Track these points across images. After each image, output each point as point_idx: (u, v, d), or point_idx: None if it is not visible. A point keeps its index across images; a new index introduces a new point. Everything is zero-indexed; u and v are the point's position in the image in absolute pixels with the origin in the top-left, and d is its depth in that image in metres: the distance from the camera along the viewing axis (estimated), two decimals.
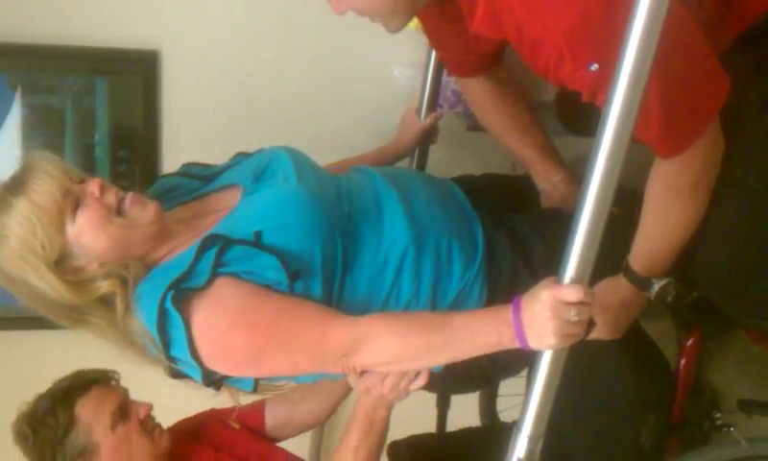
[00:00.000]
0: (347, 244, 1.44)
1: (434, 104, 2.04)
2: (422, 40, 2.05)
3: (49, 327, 2.17)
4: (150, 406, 1.75)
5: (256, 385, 1.46)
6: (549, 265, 1.25)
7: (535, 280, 1.25)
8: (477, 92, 1.83)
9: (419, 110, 2.03)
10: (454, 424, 2.32)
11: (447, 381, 1.62)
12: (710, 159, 1.31)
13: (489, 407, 2.45)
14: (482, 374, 1.64)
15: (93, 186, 1.39)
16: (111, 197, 1.40)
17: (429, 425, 2.31)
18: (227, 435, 1.86)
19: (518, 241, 1.58)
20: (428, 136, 2.04)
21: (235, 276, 1.34)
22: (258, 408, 1.92)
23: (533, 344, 1.23)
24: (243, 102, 2.24)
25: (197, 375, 1.38)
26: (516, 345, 1.25)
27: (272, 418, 1.94)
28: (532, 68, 1.32)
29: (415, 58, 2.21)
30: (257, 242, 1.36)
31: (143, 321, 1.36)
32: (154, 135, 2.20)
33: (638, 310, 1.53)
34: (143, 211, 1.41)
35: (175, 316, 1.31)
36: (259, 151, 1.63)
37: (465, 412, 2.38)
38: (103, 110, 2.15)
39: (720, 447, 1.74)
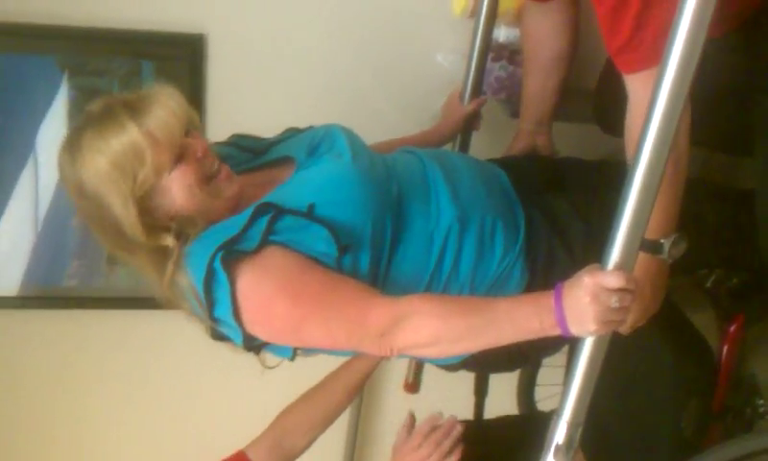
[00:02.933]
0: (396, 224, 1.45)
1: (477, 90, 2.02)
2: (466, 26, 2.05)
3: (98, 307, 2.27)
4: None
5: (294, 354, 1.47)
6: (588, 247, 1.25)
7: (573, 262, 1.25)
8: (544, 22, 1.85)
9: (462, 96, 2.02)
10: (492, 411, 2.32)
11: (485, 361, 1.61)
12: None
13: (527, 396, 2.45)
14: (520, 352, 1.61)
15: (198, 146, 1.41)
16: (209, 164, 1.42)
17: (467, 412, 2.31)
18: None
19: (557, 223, 1.58)
20: (471, 122, 2.04)
21: (285, 245, 1.35)
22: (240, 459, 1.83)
23: (574, 330, 1.22)
24: (288, 87, 2.25)
25: (238, 338, 1.40)
26: (558, 331, 1.24)
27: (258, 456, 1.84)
28: None
29: (458, 43, 2.21)
30: (310, 213, 1.37)
31: (191, 278, 1.37)
32: (199, 119, 2.21)
33: (662, 279, 1.47)
34: (229, 186, 1.44)
35: (222, 276, 1.32)
36: (311, 127, 1.65)
37: (502, 400, 2.38)
38: None
39: (763, 434, 1.72)
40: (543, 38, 1.87)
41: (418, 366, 2.25)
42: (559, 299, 1.23)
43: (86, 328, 2.34)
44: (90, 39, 2.11)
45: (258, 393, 2.33)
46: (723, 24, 1.39)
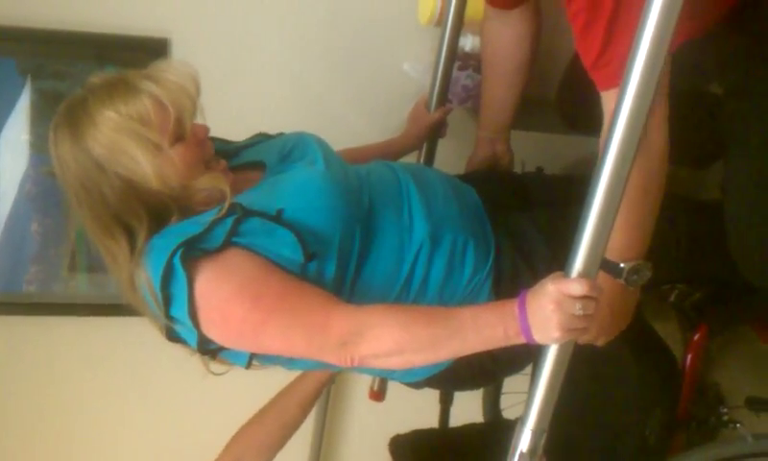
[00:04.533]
0: (365, 237, 1.44)
1: (443, 98, 2.03)
2: (432, 35, 2.05)
3: (57, 313, 2.24)
4: None
5: (250, 362, 1.44)
6: (552, 267, 1.24)
7: (537, 280, 1.24)
8: (505, 31, 1.85)
9: (428, 104, 2.02)
10: (457, 420, 2.32)
11: (449, 379, 1.62)
12: (650, 127, 1.27)
13: (492, 404, 2.45)
14: (483, 371, 1.63)
15: (201, 130, 1.42)
16: (208, 149, 1.43)
17: (432, 421, 2.31)
18: None
19: (522, 243, 1.58)
20: (437, 130, 2.04)
21: (249, 248, 1.33)
22: None
23: (537, 338, 1.22)
24: (253, 93, 2.24)
25: (193, 339, 1.37)
26: (522, 339, 1.24)
27: None
28: None
29: (424, 52, 2.21)
30: (278, 217, 1.35)
31: (149, 273, 1.34)
32: None
33: (624, 303, 1.47)
34: (224, 179, 1.42)
35: (180, 274, 1.29)
36: (282, 134, 1.64)
37: (468, 408, 2.38)
38: None
39: (726, 443, 1.74)
40: (504, 47, 1.87)
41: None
42: (523, 306, 1.23)
43: (46, 335, 2.31)
44: (52, 42, 2.07)
45: (224, 398, 2.32)
46: (691, 28, 1.40)
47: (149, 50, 2.12)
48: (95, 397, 2.42)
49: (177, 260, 1.29)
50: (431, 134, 2.03)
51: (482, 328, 1.27)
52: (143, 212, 1.37)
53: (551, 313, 1.18)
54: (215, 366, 1.49)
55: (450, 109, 2.05)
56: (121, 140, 1.34)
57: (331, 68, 2.26)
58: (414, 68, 2.26)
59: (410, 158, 2.05)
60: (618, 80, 1.11)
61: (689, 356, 1.86)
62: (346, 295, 1.43)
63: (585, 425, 1.85)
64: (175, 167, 1.37)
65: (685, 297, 1.91)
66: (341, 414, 2.66)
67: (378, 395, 2.26)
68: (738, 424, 1.90)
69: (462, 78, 2.18)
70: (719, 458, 1.62)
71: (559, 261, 1.22)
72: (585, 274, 1.18)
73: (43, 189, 2.14)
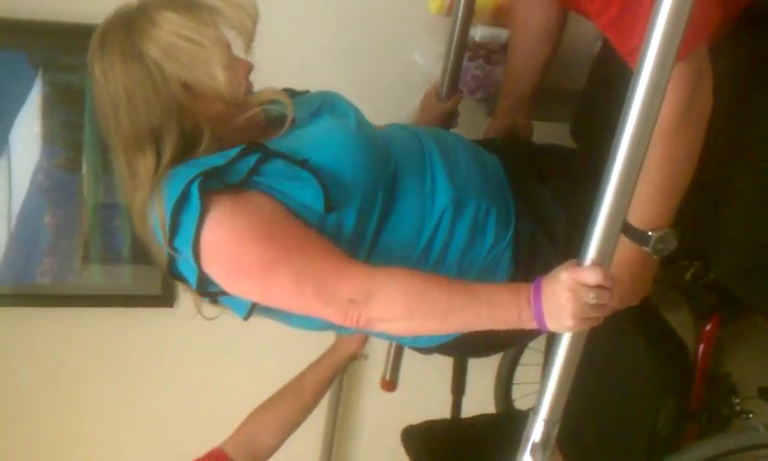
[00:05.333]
0: (387, 198, 1.42)
1: (454, 88, 2.02)
2: (443, 25, 2.04)
3: (71, 305, 2.25)
4: None
5: (250, 312, 1.39)
6: (571, 237, 1.23)
7: (555, 253, 1.23)
8: (540, 18, 1.85)
9: (439, 93, 2.02)
10: (469, 410, 2.32)
11: (464, 345, 1.58)
12: (697, 94, 1.27)
13: (504, 394, 2.46)
14: (496, 339, 1.58)
15: (247, 63, 1.42)
16: (249, 82, 1.43)
17: (444, 411, 2.31)
18: None
19: (541, 212, 1.56)
20: (448, 120, 2.03)
21: (268, 192, 1.30)
22: (218, 455, 1.82)
23: (550, 325, 1.22)
24: (260, 82, 2.23)
25: (192, 277, 1.33)
26: (535, 325, 1.24)
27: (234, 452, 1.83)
28: None
29: (435, 42, 2.20)
30: (303, 163, 1.33)
31: (164, 197, 1.30)
32: None
33: (645, 272, 1.46)
34: (258, 114, 1.42)
35: (195, 202, 1.26)
36: (308, 91, 1.63)
37: (480, 399, 2.38)
38: None
39: (738, 433, 1.73)
40: (534, 8, 1.86)
41: (395, 364, 2.24)
42: (537, 294, 1.22)
43: (60, 326, 2.32)
44: (63, 35, 2.07)
45: (236, 387, 2.33)
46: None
47: None
48: (108, 387, 2.43)
49: (194, 188, 1.26)
50: (442, 124, 2.02)
51: (496, 307, 1.26)
52: (178, 133, 1.35)
53: (565, 302, 1.18)
54: (207, 309, 1.44)
55: (461, 97, 2.04)
56: (187, 45, 1.33)
57: (341, 57, 2.26)
58: (424, 58, 2.25)
59: None
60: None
61: (701, 346, 1.85)
62: (363, 255, 1.40)
63: (597, 416, 1.85)
64: (239, 79, 1.38)
65: (700, 276, 1.90)
66: (353, 404, 2.67)
67: (390, 384, 2.26)
68: (751, 415, 1.89)
69: (472, 68, 2.17)
70: (731, 448, 1.61)
71: (578, 233, 1.21)
72: (598, 262, 1.18)
73: (56, 181, 2.15)
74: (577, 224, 1.24)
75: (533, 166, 1.72)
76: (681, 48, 1.07)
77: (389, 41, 2.27)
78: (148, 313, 2.30)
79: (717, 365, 1.92)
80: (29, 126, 2.11)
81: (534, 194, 1.60)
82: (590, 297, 1.17)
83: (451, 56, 1.99)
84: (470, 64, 2.16)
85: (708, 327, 1.84)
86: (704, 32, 1.23)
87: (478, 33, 2.13)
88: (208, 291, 1.36)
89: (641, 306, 1.51)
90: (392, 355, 2.22)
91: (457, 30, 1.96)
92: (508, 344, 1.86)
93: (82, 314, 2.29)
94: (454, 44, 1.98)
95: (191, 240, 1.27)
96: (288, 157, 1.33)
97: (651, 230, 1.33)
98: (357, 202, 1.36)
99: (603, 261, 1.18)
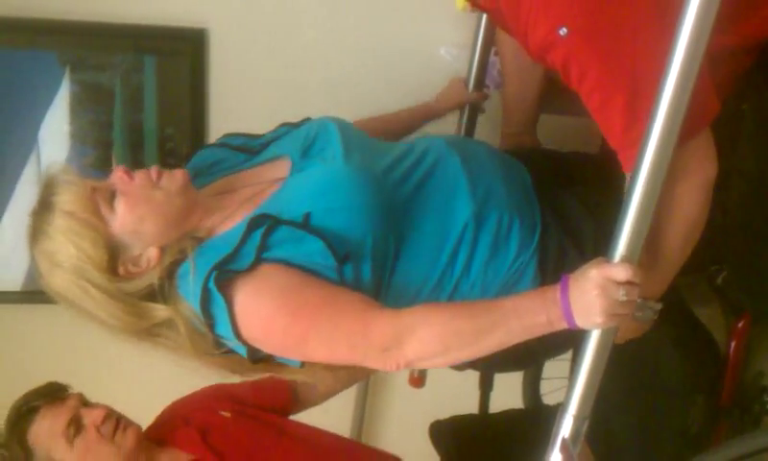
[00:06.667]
0: (402, 221, 1.42)
1: (481, 83, 2.04)
2: (469, 20, 2.04)
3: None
4: (105, 409, 1.72)
5: (303, 364, 1.43)
6: (599, 246, 1.23)
7: (583, 262, 1.23)
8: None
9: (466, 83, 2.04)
10: (497, 405, 2.32)
11: (493, 361, 1.59)
12: (690, 177, 1.28)
13: (532, 390, 2.44)
14: (528, 352, 1.59)
15: (119, 173, 1.39)
16: (141, 176, 1.39)
17: (472, 407, 2.31)
18: (216, 421, 1.81)
19: (568, 221, 1.55)
20: (474, 108, 2.06)
21: (280, 261, 1.32)
22: (281, 389, 1.89)
23: (580, 323, 1.21)
24: (289, 80, 2.24)
25: (243, 351, 1.38)
26: (564, 325, 1.23)
27: (297, 392, 1.91)
28: (516, 35, 1.33)
29: (461, 37, 2.20)
30: (305, 224, 1.34)
31: (188, 298, 1.35)
32: (201, 113, 2.22)
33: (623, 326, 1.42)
34: (172, 178, 1.39)
35: (217, 297, 1.30)
36: (305, 121, 1.61)
37: (507, 394, 2.38)
38: (151, 88, 2.17)
39: None
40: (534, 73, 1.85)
41: None
42: (565, 291, 1.21)
43: (90, 322, 2.33)
44: (92, 34, 2.10)
45: None
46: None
47: (187, 40, 2.15)
48: (144, 381, 2.45)
49: (212, 285, 1.30)
50: (469, 111, 2.05)
51: (524, 317, 1.25)
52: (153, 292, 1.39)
53: (594, 298, 1.17)
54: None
55: (488, 95, 2.06)
56: (78, 301, 1.39)
57: (368, 54, 2.26)
58: (450, 52, 2.25)
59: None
60: None
61: (733, 344, 1.82)
62: (386, 282, 1.41)
63: (626, 413, 1.84)
64: (130, 223, 1.37)
65: (732, 282, 1.88)
66: (381, 400, 2.67)
67: (418, 380, 2.27)
68: None
69: (498, 62, 2.16)
70: (763, 446, 1.59)
71: (605, 239, 1.21)
72: (627, 258, 1.17)
73: None
74: (604, 230, 1.23)
75: (560, 173, 1.72)
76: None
77: (416, 37, 2.27)
78: None
79: (748, 362, 1.90)
80: (58, 124, 2.14)
81: (561, 201, 1.59)
82: (621, 293, 1.16)
83: (477, 51, 2.01)
84: (496, 59, 2.16)
85: (740, 324, 1.81)
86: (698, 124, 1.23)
87: None
88: (260, 358, 1.40)
89: (671, 302, 1.50)
90: None
91: (483, 25, 1.99)
92: (539, 356, 1.85)
93: None
94: (480, 39, 2.01)
95: (231, 329, 1.32)
96: (291, 223, 1.34)
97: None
98: (369, 240, 1.36)
99: (632, 258, 1.17)
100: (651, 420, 1.80)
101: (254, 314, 1.32)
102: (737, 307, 1.84)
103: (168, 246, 1.39)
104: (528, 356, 1.67)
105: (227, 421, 1.80)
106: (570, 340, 1.46)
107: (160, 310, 1.38)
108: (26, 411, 1.68)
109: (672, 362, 1.73)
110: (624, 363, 1.34)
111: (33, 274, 2.15)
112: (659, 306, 1.28)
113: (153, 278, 1.38)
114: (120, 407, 2.22)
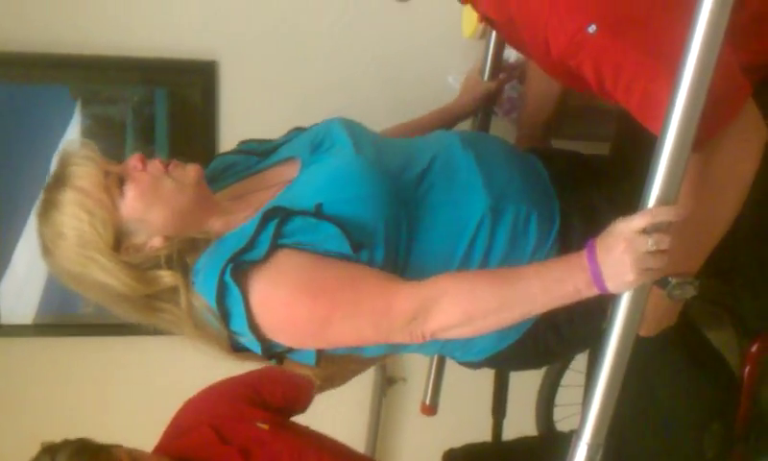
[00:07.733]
0: (414, 213, 1.41)
1: (496, 71, 2.02)
2: (476, 48, 2.05)
3: (113, 334, 2.27)
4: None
5: (319, 358, 1.42)
6: None
7: None
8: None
9: (481, 74, 2.02)
10: (510, 433, 2.30)
11: (510, 358, 1.57)
12: (739, 161, 1.25)
13: (546, 416, 2.43)
14: (547, 348, 1.56)
15: (134, 160, 1.39)
16: (155, 165, 1.39)
17: (485, 433, 2.30)
18: (255, 436, 1.71)
19: (594, 215, 1.49)
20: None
21: (295, 247, 1.31)
22: (304, 387, 1.85)
23: (611, 285, 1.18)
24: (299, 110, 2.25)
25: (257, 348, 1.37)
26: (594, 291, 1.20)
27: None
28: (533, 55, 1.31)
29: (468, 65, 2.21)
30: (318, 213, 1.33)
31: (203, 295, 1.35)
32: (212, 145, 2.24)
33: (658, 312, 1.41)
34: (184, 172, 1.40)
35: (233, 289, 1.29)
36: (314, 125, 1.62)
37: (521, 421, 2.36)
38: (162, 120, 2.19)
39: None
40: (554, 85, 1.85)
41: (435, 388, 2.23)
42: (592, 254, 1.19)
43: (102, 355, 2.34)
44: (103, 68, 2.13)
45: None
46: None
47: (197, 72, 2.17)
48: (154, 413, 2.45)
49: (228, 277, 1.29)
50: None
51: (550, 285, 1.24)
52: (160, 272, 1.39)
53: (622, 254, 1.15)
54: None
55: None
56: (85, 269, 1.37)
57: (376, 82, 2.28)
58: (457, 80, 2.26)
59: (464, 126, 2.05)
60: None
61: (747, 369, 1.80)
62: (400, 272, 1.39)
63: (640, 441, 1.82)
64: (138, 210, 1.36)
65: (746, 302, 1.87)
66: (393, 428, 2.66)
67: (430, 409, 2.26)
68: None
69: (506, 89, 2.17)
70: None
71: None
72: (662, 201, 1.14)
73: None
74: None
75: (578, 167, 1.69)
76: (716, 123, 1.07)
77: (424, 65, 2.29)
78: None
79: (763, 386, 1.87)
80: None
81: (588, 198, 1.56)
82: (649, 243, 1.14)
83: (485, 78, 2.00)
84: (504, 86, 2.17)
85: (754, 348, 1.78)
86: (734, 106, 1.20)
87: (512, 54, 2.13)
88: (274, 354, 1.39)
89: (682, 327, 1.49)
90: (432, 380, 2.22)
91: (490, 53, 1.99)
92: (558, 353, 1.82)
93: (125, 343, 2.31)
94: (488, 67, 2.00)
95: (246, 322, 1.31)
96: (303, 212, 1.34)
97: (672, 276, 1.29)
98: (381, 230, 1.35)
99: (668, 200, 1.14)
100: (666, 447, 1.78)
101: (275, 300, 1.31)
102: (751, 330, 1.82)
103: (173, 238, 1.38)
104: (547, 354, 1.62)
105: (265, 435, 1.71)
106: (590, 337, 1.42)
107: (166, 277, 1.38)
108: None
109: (687, 390, 1.71)
110: (638, 391, 1.33)
111: (45, 306, 2.21)
112: (697, 282, 1.25)
113: (167, 279, 1.38)
114: (129, 441, 2.23)
